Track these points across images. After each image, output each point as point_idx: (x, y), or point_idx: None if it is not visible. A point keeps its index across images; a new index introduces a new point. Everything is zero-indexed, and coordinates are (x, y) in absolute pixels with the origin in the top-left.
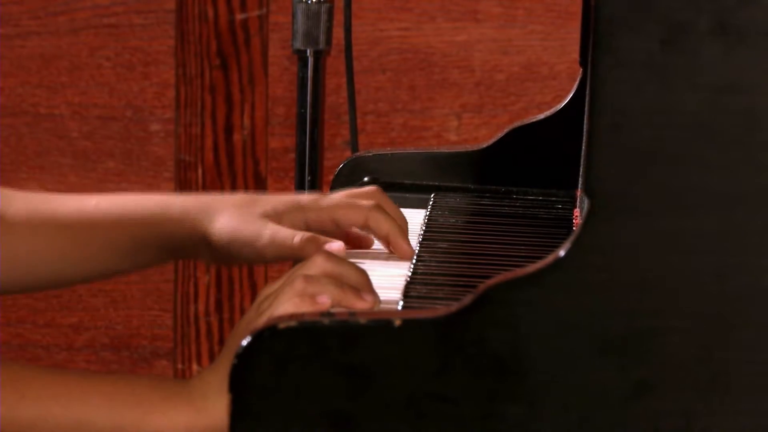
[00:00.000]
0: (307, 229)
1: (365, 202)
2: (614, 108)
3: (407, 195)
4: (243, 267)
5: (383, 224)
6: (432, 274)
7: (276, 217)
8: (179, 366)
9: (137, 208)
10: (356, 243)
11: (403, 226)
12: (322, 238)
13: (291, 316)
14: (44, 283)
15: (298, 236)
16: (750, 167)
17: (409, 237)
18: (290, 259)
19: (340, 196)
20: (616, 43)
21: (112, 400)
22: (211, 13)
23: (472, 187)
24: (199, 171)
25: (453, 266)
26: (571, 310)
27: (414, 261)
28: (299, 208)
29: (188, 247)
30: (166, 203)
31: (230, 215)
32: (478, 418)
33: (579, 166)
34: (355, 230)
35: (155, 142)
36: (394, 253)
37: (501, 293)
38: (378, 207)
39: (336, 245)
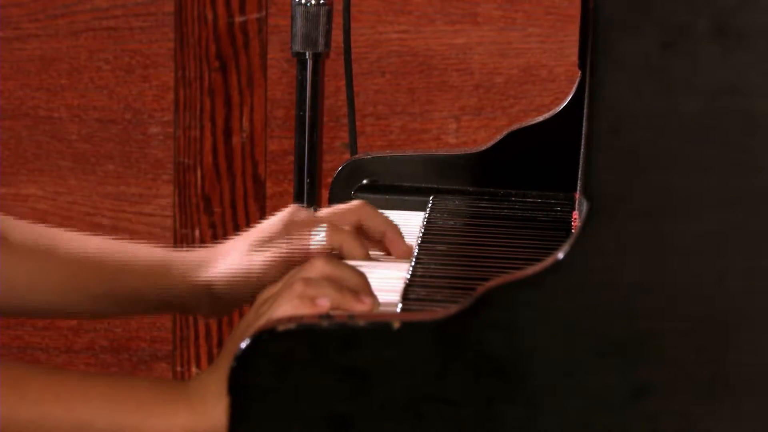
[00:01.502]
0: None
1: (346, 227)
2: (613, 110)
3: (406, 197)
4: None
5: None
6: (431, 277)
7: (263, 243)
8: (178, 368)
9: (139, 261)
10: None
11: (395, 231)
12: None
13: (290, 319)
14: (38, 313)
15: (286, 250)
16: (749, 169)
17: (408, 239)
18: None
19: (324, 215)
20: (614, 46)
21: (113, 402)
22: (210, 15)
23: (471, 189)
24: (198, 173)
25: (452, 269)
26: (570, 312)
27: (413, 263)
28: (282, 228)
29: (189, 301)
30: (168, 259)
31: (224, 259)
32: (478, 420)
33: (578, 168)
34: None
35: (154, 145)
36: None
37: (500, 296)
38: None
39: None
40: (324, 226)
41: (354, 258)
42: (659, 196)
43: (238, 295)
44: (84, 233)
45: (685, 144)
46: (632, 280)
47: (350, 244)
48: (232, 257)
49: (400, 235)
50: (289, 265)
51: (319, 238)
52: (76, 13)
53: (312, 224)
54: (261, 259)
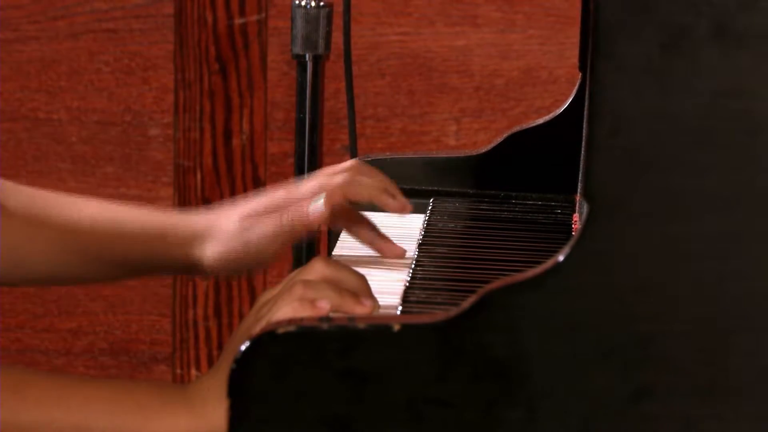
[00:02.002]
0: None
1: (338, 178)
2: (613, 112)
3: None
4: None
5: (362, 190)
6: (431, 279)
7: (256, 217)
8: (178, 371)
9: (134, 229)
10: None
11: (388, 187)
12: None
13: (290, 321)
14: (37, 279)
15: (286, 218)
16: (749, 171)
17: (408, 242)
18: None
19: (314, 178)
20: (615, 48)
21: (113, 405)
22: (210, 17)
23: (471, 191)
24: (198, 176)
25: (452, 271)
26: (570, 314)
27: (413, 266)
28: (277, 204)
29: (182, 270)
30: (164, 228)
31: (218, 239)
32: (478, 422)
33: (578, 170)
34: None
35: (154, 147)
36: (386, 209)
37: (500, 298)
38: (353, 180)
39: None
40: (322, 194)
41: (362, 198)
42: (660, 197)
43: (235, 268)
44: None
45: (686, 146)
46: (632, 282)
47: (353, 189)
48: (227, 234)
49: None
50: (289, 236)
51: (318, 204)
52: (76, 15)
53: (307, 197)
54: (257, 233)
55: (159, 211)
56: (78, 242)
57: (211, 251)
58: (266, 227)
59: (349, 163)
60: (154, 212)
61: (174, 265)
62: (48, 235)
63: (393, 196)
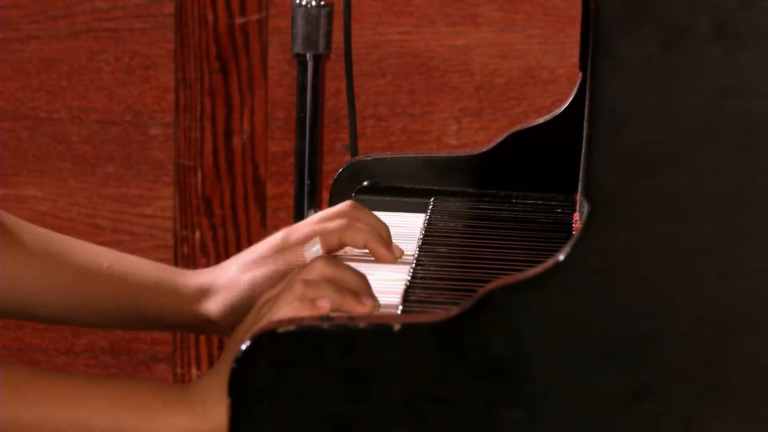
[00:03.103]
0: (288, 268)
1: (334, 224)
2: (614, 112)
3: (407, 199)
4: None
5: (358, 236)
6: (431, 279)
7: (255, 265)
8: (178, 370)
9: (148, 283)
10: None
11: (381, 233)
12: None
13: (290, 320)
14: (37, 317)
15: (282, 264)
16: (750, 170)
17: (409, 241)
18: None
19: (310, 223)
20: (615, 47)
21: (114, 404)
22: (210, 17)
23: (472, 191)
24: (199, 175)
25: (452, 270)
26: (571, 314)
27: (413, 265)
28: (276, 250)
29: (190, 327)
30: (175, 284)
31: (221, 291)
32: (478, 422)
33: (579, 170)
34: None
35: (155, 146)
36: (380, 261)
37: (501, 297)
38: (349, 225)
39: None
40: (317, 239)
41: (358, 244)
42: (660, 197)
43: (241, 317)
44: (90, 241)
45: (686, 145)
46: (633, 282)
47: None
48: (230, 283)
49: (385, 238)
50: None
51: (314, 250)
52: (77, 14)
53: (304, 242)
54: (260, 279)
55: (171, 268)
56: (93, 288)
57: (216, 305)
58: (266, 270)
59: (343, 205)
60: (166, 268)
61: (182, 321)
62: (64, 275)
63: (387, 245)
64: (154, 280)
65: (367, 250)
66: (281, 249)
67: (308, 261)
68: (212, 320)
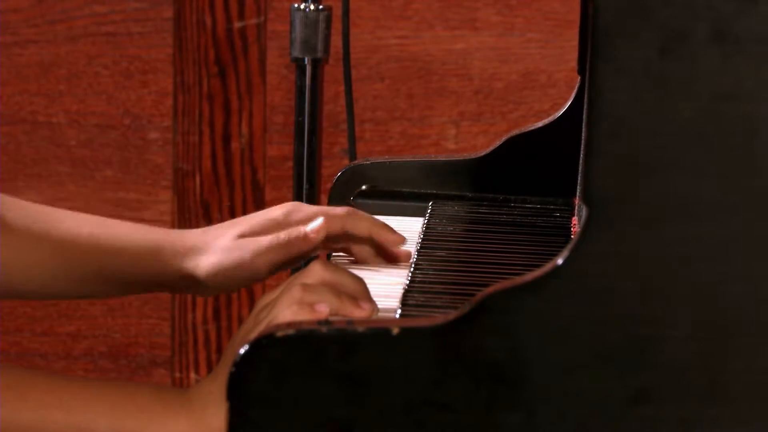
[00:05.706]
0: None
1: (339, 210)
2: (612, 116)
3: (405, 203)
4: None
5: (362, 223)
6: (430, 283)
7: (253, 235)
8: (177, 374)
9: (131, 245)
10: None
11: (385, 226)
12: (302, 228)
13: (289, 325)
14: (32, 293)
15: (283, 234)
16: (748, 174)
17: (407, 245)
18: (282, 263)
19: (312, 210)
20: (614, 52)
21: (114, 407)
22: (209, 21)
23: (470, 195)
24: (197, 179)
25: (451, 274)
26: (569, 318)
27: (412, 269)
28: (275, 224)
29: (177, 286)
30: (160, 244)
31: (213, 252)
32: (477, 426)
33: (577, 174)
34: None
35: (153, 151)
36: (384, 245)
37: (499, 301)
38: (353, 214)
39: (316, 224)
40: (321, 218)
41: (362, 230)
42: (658, 201)
43: (231, 283)
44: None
45: (685, 149)
46: (631, 286)
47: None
48: (223, 248)
49: (388, 229)
50: (285, 251)
51: (316, 223)
52: (75, 18)
53: (306, 222)
54: (252, 246)
55: (156, 228)
56: (76, 257)
57: (204, 263)
58: (261, 241)
59: (344, 208)
60: (151, 229)
61: (169, 279)
62: (47, 248)
63: (392, 232)
64: (137, 241)
65: (367, 250)
66: (282, 225)
67: (309, 233)
68: (198, 278)
